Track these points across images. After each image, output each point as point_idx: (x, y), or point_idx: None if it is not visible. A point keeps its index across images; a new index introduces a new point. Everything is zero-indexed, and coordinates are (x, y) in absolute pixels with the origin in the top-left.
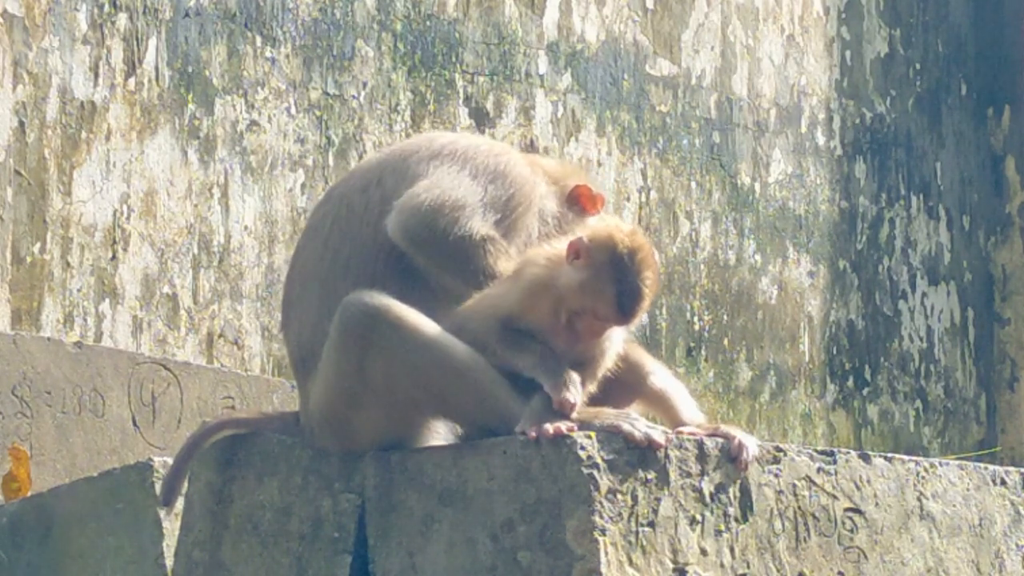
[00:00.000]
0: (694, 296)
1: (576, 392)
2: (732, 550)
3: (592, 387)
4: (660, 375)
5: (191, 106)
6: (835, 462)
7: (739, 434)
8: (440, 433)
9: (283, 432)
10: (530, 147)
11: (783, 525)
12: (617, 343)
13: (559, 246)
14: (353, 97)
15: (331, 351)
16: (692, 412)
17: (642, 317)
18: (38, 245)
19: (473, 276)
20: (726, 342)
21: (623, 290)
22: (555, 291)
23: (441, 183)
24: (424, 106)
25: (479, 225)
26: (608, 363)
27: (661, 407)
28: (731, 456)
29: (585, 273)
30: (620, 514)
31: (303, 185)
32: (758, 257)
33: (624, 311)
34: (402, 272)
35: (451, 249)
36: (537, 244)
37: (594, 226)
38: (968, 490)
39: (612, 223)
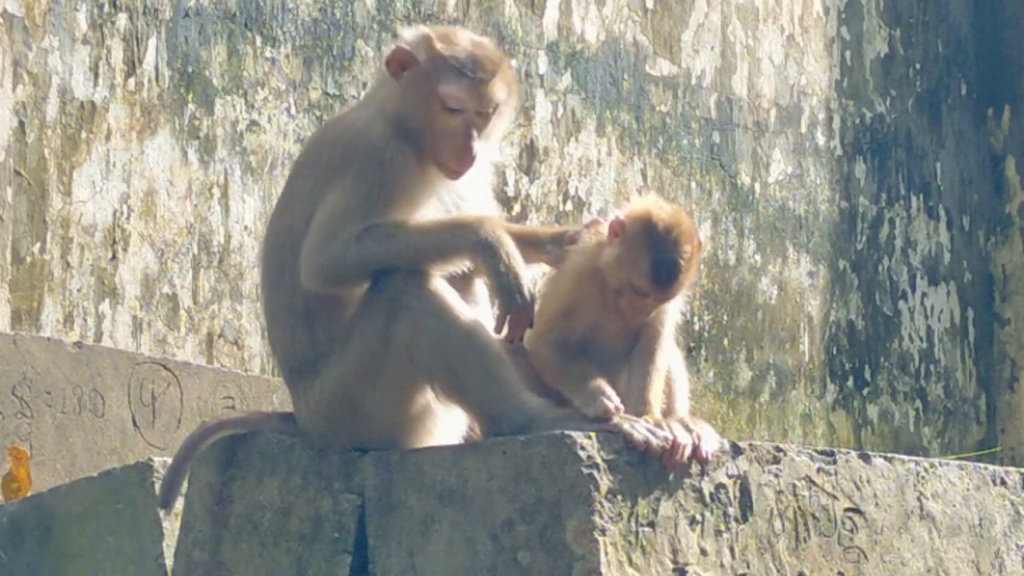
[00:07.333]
0: (694, 296)
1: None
2: (732, 550)
3: (655, 373)
4: (672, 362)
5: (191, 106)
6: (835, 462)
7: (679, 433)
8: (441, 430)
9: (282, 432)
10: (529, 147)
11: (783, 525)
12: (672, 318)
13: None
14: (353, 97)
15: (360, 315)
16: (682, 403)
17: (681, 290)
18: (38, 245)
19: (397, 257)
20: (726, 342)
21: (657, 259)
22: (598, 273)
23: (315, 211)
24: None
25: (353, 224)
26: (668, 340)
27: None
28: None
29: (621, 248)
30: (620, 514)
31: None
32: (758, 257)
33: (659, 281)
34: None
35: (352, 259)
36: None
37: (633, 204)
38: (968, 490)
39: (652, 201)
